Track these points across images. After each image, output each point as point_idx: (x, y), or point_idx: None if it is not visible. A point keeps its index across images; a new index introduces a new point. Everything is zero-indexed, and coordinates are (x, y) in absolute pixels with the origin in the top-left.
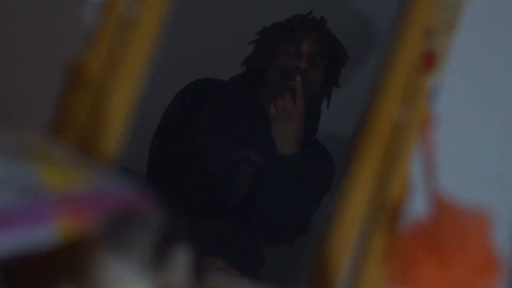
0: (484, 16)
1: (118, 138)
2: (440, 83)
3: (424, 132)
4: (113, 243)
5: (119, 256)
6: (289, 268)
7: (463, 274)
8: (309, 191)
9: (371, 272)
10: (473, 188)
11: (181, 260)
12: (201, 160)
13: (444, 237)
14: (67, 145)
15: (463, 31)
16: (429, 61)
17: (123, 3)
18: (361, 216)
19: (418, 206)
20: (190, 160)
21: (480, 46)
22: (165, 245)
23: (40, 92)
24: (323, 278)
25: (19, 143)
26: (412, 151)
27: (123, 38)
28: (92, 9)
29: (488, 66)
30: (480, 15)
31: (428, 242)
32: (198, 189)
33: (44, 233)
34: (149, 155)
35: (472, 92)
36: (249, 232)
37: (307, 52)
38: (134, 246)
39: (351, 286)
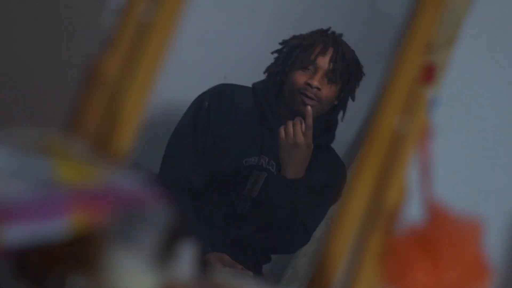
0: (481, 33)
1: (132, 136)
2: (439, 95)
3: (422, 142)
4: (122, 237)
5: (128, 250)
6: (286, 265)
7: (454, 278)
8: (318, 201)
9: (367, 272)
10: (466, 196)
11: (186, 256)
12: (215, 164)
13: (437, 242)
14: (83, 142)
15: (461, 47)
16: (429, 74)
17: (140, 9)
18: (359, 219)
19: (413, 212)
20: (204, 163)
21: (476, 61)
22: (172, 241)
23: (59, 91)
24: (321, 276)
25: (37, 139)
26: (410, 159)
27: (140, 43)
28: (111, 14)
29: (484, 80)
30: (477, 32)
31: (422, 246)
32: (210, 191)
33: (57, 225)
34: (164, 155)
35: (468, 104)
36: (256, 230)
37: (322, 69)
38: (142, 241)
39: (348, 285)
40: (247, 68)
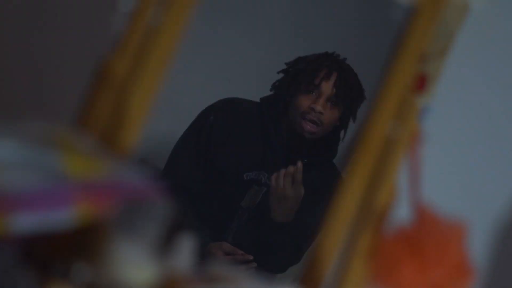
0: (472, 45)
1: (137, 133)
2: (430, 104)
3: (412, 147)
4: (125, 229)
5: (130, 240)
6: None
7: (439, 277)
8: (313, 218)
9: (356, 269)
10: (452, 200)
11: (186, 248)
12: (216, 176)
13: (424, 242)
14: (90, 137)
15: (453, 58)
16: (421, 83)
17: (149, 13)
18: (350, 219)
19: (402, 213)
20: (206, 173)
21: (467, 72)
22: (172, 233)
23: (70, 88)
24: (312, 272)
25: (47, 133)
26: (400, 163)
27: (147, 45)
28: (121, 17)
29: (473, 91)
30: (469, 44)
31: (409, 246)
32: (209, 202)
33: (63, 215)
34: (167, 162)
35: (457, 113)
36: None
37: (325, 94)
38: (144, 232)
39: (338, 282)
40: (251, 73)
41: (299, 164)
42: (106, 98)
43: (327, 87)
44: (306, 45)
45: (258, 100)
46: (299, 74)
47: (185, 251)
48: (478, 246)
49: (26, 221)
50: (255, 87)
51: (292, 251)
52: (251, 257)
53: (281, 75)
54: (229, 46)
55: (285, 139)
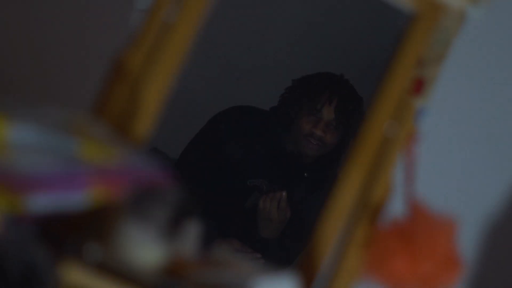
0: (468, 52)
1: (150, 123)
2: (426, 106)
3: (408, 146)
4: (136, 212)
5: (140, 224)
6: None
7: (429, 268)
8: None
9: (352, 259)
10: (444, 196)
11: (192, 233)
12: (222, 180)
13: (416, 235)
14: (106, 125)
15: (449, 64)
16: (418, 86)
17: (164, 11)
18: (347, 211)
19: (396, 207)
20: (212, 176)
21: (461, 78)
22: (180, 219)
23: (88, 79)
24: (309, 261)
25: (66, 120)
26: (396, 161)
27: (162, 40)
28: (138, 14)
29: (466, 95)
30: (464, 51)
31: (402, 238)
32: (213, 203)
33: (78, 197)
34: (177, 162)
35: (451, 115)
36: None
37: (326, 119)
38: (153, 217)
39: (334, 270)
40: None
41: (284, 193)
42: (121, 89)
43: (328, 112)
44: (312, 47)
45: (264, 103)
46: (302, 98)
47: (191, 236)
48: (467, 240)
49: (43, 202)
50: (263, 88)
51: (279, 260)
52: (259, 255)
53: (287, 93)
54: (242, 45)
55: (288, 153)
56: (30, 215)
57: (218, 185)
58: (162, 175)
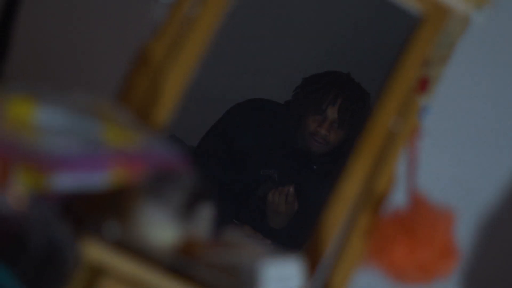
0: (470, 54)
1: (169, 111)
2: (429, 103)
3: (411, 140)
4: (153, 194)
5: (157, 205)
6: None
7: (427, 257)
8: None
9: (355, 246)
10: (444, 189)
11: (205, 216)
12: (236, 169)
13: (416, 225)
14: (128, 111)
15: (452, 64)
16: (423, 85)
17: (187, 5)
18: (352, 200)
19: (398, 198)
20: (227, 165)
21: (464, 78)
22: (194, 202)
23: (113, 67)
24: (315, 246)
25: (91, 105)
26: (399, 154)
27: (184, 33)
28: (162, 7)
29: (468, 94)
30: (467, 53)
31: (402, 228)
32: (227, 190)
33: (100, 178)
34: (195, 149)
35: (453, 113)
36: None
37: (330, 119)
38: (169, 199)
39: (337, 256)
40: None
41: (292, 188)
42: (143, 79)
43: (332, 112)
44: (326, 46)
45: (279, 97)
46: (309, 98)
47: (204, 219)
48: (464, 231)
49: (66, 181)
50: (278, 82)
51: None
52: (269, 242)
53: (297, 91)
54: (260, 41)
55: (298, 147)
56: (54, 194)
57: (233, 173)
58: (179, 161)
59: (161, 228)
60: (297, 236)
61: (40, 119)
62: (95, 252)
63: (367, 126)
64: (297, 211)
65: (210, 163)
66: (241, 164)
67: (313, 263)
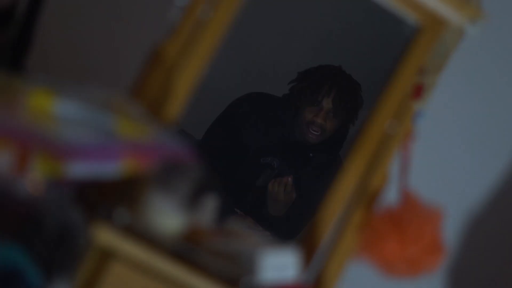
0: (463, 65)
1: (180, 107)
2: (423, 109)
3: (405, 143)
4: (161, 184)
5: (165, 194)
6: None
7: (415, 252)
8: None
9: (348, 239)
10: (433, 189)
11: (210, 206)
12: (238, 158)
13: (406, 222)
14: (141, 106)
15: (446, 73)
16: (418, 92)
17: (199, 9)
18: (347, 197)
19: (391, 196)
20: (230, 155)
21: (456, 87)
22: (200, 193)
23: (128, 64)
24: (311, 238)
25: (106, 99)
26: (393, 155)
27: (196, 34)
28: (176, 10)
29: (459, 102)
30: (461, 64)
31: (393, 224)
32: (230, 179)
33: (112, 167)
34: (201, 141)
35: (444, 119)
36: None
37: (325, 109)
38: (176, 189)
39: (332, 248)
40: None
41: (290, 179)
42: (156, 76)
43: (327, 103)
44: (325, 53)
45: (277, 92)
46: (305, 91)
47: (209, 209)
48: (450, 230)
49: (81, 169)
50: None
51: (284, 235)
52: (268, 233)
53: (294, 84)
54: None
55: (296, 136)
56: (69, 180)
57: (235, 163)
58: (187, 154)
59: (168, 216)
60: (295, 222)
61: (59, 110)
62: (106, 236)
63: (365, 128)
64: (294, 202)
65: (214, 154)
66: (243, 153)
67: (308, 254)
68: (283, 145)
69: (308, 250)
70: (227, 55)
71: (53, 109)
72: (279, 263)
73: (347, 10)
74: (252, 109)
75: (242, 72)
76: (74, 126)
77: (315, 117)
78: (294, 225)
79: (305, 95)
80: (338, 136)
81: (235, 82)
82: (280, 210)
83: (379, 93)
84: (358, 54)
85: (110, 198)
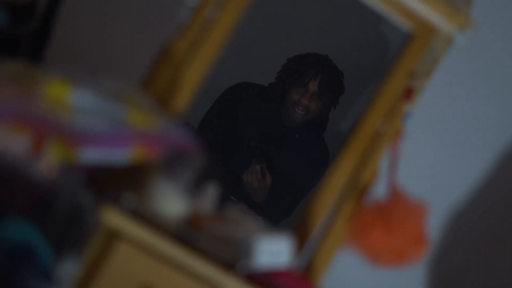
0: (451, 70)
1: (186, 101)
2: (412, 110)
3: (394, 141)
4: (166, 172)
5: (169, 181)
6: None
7: (400, 243)
8: (299, 185)
9: (338, 229)
10: (419, 185)
11: (211, 193)
12: (231, 144)
13: (393, 215)
14: (150, 98)
15: (435, 78)
16: (408, 94)
17: (208, 9)
18: (338, 190)
19: (379, 190)
20: (224, 139)
21: (444, 90)
22: (201, 180)
23: (140, 59)
24: (304, 227)
25: (116, 89)
26: (383, 152)
27: (204, 33)
28: (186, 10)
29: (446, 104)
30: (448, 69)
31: (381, 216)
32: (224, 164)
33: (121, 154)
34: (198, 128)
35: (432, 120)
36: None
37: (311, 91)
38: (180, 177)
39: (323, 237)
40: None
41: (258, 167)
42: (165, 71)
43: (313, 85)
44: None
45: (265, 83)
46: (294, 73)
47: (209, 196)
48: (434, 223)
49: (92, 155)
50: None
51: (274, 215)
52: (260, 218)
53: (283, 68)
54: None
55: (283, 118)
56: (81, 165)
57: (228, 149)
58: (191, 144)
59: (171, 201)
60: (283, 204)
61: (74, 100)
62: (113, 218)
63: (358, 126)
64: (277, 184)
65: (208, 142)
66: (234, 139)
67: (301, 242)
68: (271, 128)
69: (301, 238)
70: (229, 54)
71: (69, 98)
72: (274, 249)
73: (345, 19)
74: (241, 96)
75: (243, 70)
76: (88, 115)
77: (301, 98)
78: (283, 207)
79: (293, 77)
80: (320, 119)
81: (236, 79)
82: (260, 196)
83: (372, 95)
84: (354, 58)
85: (118, 183)
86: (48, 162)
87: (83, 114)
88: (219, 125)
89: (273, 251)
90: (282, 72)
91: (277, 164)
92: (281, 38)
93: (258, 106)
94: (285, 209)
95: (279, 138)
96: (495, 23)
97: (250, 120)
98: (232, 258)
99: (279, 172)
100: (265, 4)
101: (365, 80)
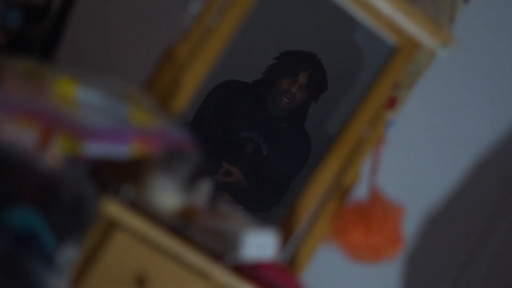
0: (433, 83)
1: (185, 102)
2: (394, 118)
3: (377, 146)
4: (164, 167)
5: (166, 176)
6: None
7: (377, 242)
8: (284, 172)
9: (321, 226)
10: (397, 188)
11: (204, 189)
12: (222, 134)
13: (372, 215)
14: (152, 98)
15: (417, 89)
16: (392, 103)
17: (209, 17)
18: (323, 190)
19: (361, 191)
20: (216, 132)
21: (425, 101)
22: (196, 176)
23: (144, 61)
24: (289, 223)
25: (121, 89)
26: (366, 156)
27: (204, 39)
28: (188, 17)
29: (427, 114)
30: (430, 82)
31: (361, 216)
32: (217, 154)
33: (123, 150)
34: (191, 124)
35: (412, 128)
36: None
37: (300, 82)
38: (177, 172)
39: (306, 233)
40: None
41: (224, 164)
42: (168, 73)
43: (303, 77)
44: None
45: (250, 81)
46: (286, 64)
47: (203, 191)
48: (410, 224)
49: (95, 149)
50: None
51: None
52: (241, 207)
53: (274, 61)
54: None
55: (269, 109)
56: (85, 158)
57: (220, 142)
58: (189, 142)
59: (167, 195)
60: (267, 192)
61: (80, 97)
62: (112, 208)
63: (344, 131)
64: (268, 168)
65: (202, 132)
66: (226, 132)
67: (285, 237)
68: (259, 120)
69: (286, 233)
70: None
71: (76, 95)
72: (260, 242)
73: (334, 33)
74: (231, 91)
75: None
76: (93, 112)
77: (290, 86)
78: (273, 194)
79: (284, 67)
80: (301, 111)
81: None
82: (242, 186)
83: (358, 103)
84: (342, 69)
85: (119, 176)
86: (54, 154)
87: (89, 111)
88: (210, 120)
89: (260, 244)
90: (273, 65)
91: (266, 154)
92: (272, 47)
93: (246, 100)
94: (275, 195)
95: (267, 128)
96: (474, 39)
97: (240, 114)
98: (221, 249)
99: (268, 160)
100: (258, 14)
101: (350, 88)
